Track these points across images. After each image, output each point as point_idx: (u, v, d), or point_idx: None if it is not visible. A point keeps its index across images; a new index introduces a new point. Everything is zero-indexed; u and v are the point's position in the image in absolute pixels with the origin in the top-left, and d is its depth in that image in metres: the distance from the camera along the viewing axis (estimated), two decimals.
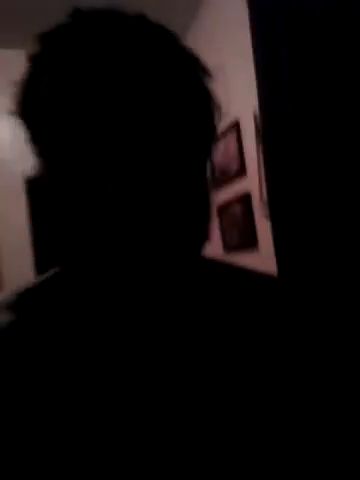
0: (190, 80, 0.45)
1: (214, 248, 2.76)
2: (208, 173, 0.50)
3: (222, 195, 2.60)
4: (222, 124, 2.29)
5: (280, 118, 1.66)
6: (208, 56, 2.32)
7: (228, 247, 2.61)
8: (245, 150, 2.29)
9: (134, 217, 0.41)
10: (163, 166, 0.42)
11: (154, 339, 0.48)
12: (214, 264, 0.58)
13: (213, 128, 0.50)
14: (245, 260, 2.36)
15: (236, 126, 2.32)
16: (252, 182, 2.24)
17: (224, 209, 2.59)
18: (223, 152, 2.51)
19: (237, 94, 2.30)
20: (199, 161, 0.47)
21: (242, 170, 2.31)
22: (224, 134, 2.46)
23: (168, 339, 0.49)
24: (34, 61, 0.44)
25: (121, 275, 0.44)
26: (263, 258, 2.20)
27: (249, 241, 2.34)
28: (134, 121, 0.40)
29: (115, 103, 0.40)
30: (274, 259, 1.97)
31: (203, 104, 0.47)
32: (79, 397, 0.45)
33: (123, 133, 0.40)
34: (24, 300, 0.52)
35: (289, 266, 1.75)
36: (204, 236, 0.49)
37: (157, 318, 0.49)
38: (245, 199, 2.33)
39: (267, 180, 1.82)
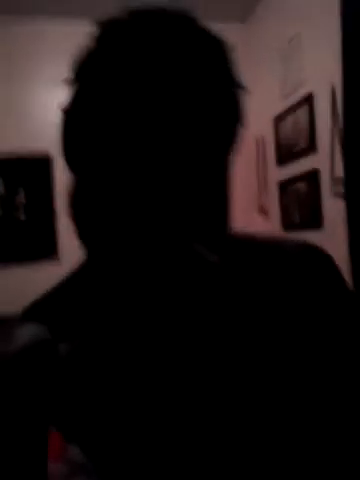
0: (219, 85, 0.48)
1: (273, 225, 2.75)
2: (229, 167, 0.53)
3: (285, 171, 2.54)
4: (292, 98, 2.20)
5: None
6: (281, 27, 2.26)
7: (288, 225, 2.56)
8: (317, 125, 2.20)
9: (150, 208, 0.44)
10: (182, 161, 0.45)
11: (168, 324, 0.50)
12: (240, 242, 0.58)
13: (234, 135, 0.51)
14: (311, 239, 2.30)
15: (308, 100, 2.23)
16: (322, 159, 2.16)
17: (286, 186, 2.53)
18: (291, 127, 2.43)
19: (312, 67, 2.22)
20: (219, 156, 0.50)
21: (312, 146, 2.24)
22: (294, 108, 2.38)
23: (182, 325, 0.50)
24: (94, 46, 0.47)
25: (139, 270, 0.46)
26: (328, 237, 2.15)
27: (313, 220, 2.28)
28: (159, 115, 0.44)
29: (150, 101, 0.44)
30: (340, 239, 1.91)
31: (229, 110, 0.49)
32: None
33: (147, 127, 0.43)
34: (42, 308, 0.55)
35: None
36: (221, 224, 0.51)
37: (172, 304, 0.51)
38: (312, 176, 2.26)
39: (345, 157, 1.75)
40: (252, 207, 2.98)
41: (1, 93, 2.63)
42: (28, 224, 2.65)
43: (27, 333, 0.51)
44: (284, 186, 2.57)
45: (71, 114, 0.48)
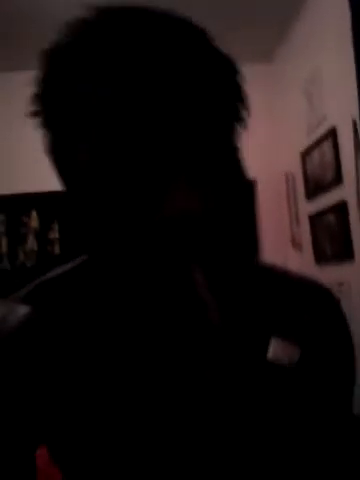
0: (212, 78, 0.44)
1: (306, 259, 2.71)
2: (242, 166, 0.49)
3: (315, 205, 2.55)
4: (317, 132, 2.21)
5: None
6: (303, 64, 2.32)
7: (321, 259, 2.53)
8: (342, 158, 2.22)
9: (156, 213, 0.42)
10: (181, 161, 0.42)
11: (169, 330, 0.49)
12: (258, 267, 0.58)
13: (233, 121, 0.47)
14: (340, 272, 2.27)
15: (332, 134, 2.26)
16: (349, 190, 2.16)
17: (317, 219, 2.53)
18: (318, 161, 2.46)
19: (334, 101, 2.25)
20: (221, 145, 0.46)
21: (338, 179, 2.24)
22: (319, 143, 2.41)
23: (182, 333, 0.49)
24: (54, 57, 0.45)
25: (142, 269, 0.45)
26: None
27: (345, 252, 2.25)
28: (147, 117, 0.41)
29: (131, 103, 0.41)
30: None
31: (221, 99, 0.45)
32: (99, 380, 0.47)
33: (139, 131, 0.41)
34: (43, 291, 0.53)
35: None
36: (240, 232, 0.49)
37: (172, 310, 0.49)
38: (341, 208, 2.25)
39: None
40: (286, 242, 2.98)
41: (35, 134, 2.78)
42: (62, 258, 2.74)
43: (22, 313, 0.50)
44: (314, 219, 2.57)
45: (53, 156, 0.49)
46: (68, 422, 0.47)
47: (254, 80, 3.03)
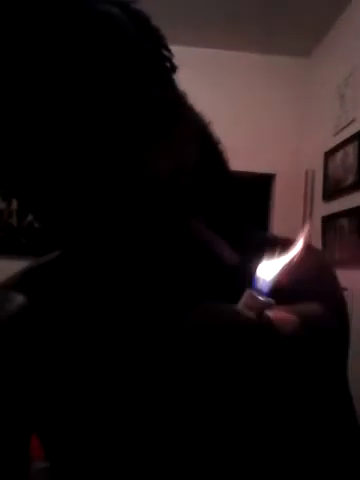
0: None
1: None
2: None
3: (331, 207, 2.50)
4: (344, 134, 2.15)
5: None
6: (341, 64, 2.26)
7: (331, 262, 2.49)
8: None
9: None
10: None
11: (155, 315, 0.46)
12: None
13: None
14: (346, 277, 2.23)
15: (358, 137, 2.21)
16: None
17: (331, 221, 2.49)
18: (340, 163, 2.41)
19: None
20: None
21: (358, 183, 2.20)
22: (344, 144, 2.36)
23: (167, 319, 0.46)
24: None
25: (118, 254, 0.43)
26: None
27: (353, 258, 2.21)
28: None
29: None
30: None
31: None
32: (88, 370, 0.46)
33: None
34: (34, 278, 0.52)
35: None
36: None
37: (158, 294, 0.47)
38: (356, 213, 2.21)
39: None
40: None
41: None
42: None
43: (17, 302, 0.49)
44: (327, 221, 2.53)
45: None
46: (60, 411, 0.46)
47: (290, 73, 3.01)
